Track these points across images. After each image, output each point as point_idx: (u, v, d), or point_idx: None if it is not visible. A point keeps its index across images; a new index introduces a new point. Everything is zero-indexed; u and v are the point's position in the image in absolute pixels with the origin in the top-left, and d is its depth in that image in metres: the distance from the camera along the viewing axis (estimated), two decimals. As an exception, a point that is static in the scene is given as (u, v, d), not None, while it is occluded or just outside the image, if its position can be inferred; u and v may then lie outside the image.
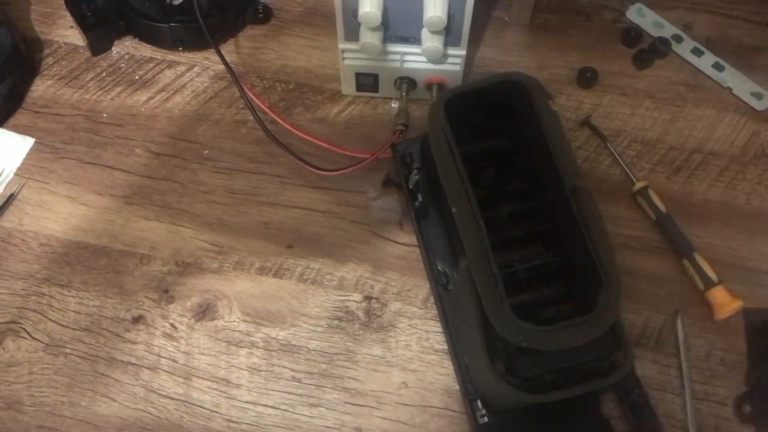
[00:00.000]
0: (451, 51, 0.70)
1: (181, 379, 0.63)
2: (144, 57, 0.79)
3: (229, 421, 0.61)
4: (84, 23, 0.77)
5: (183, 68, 0.78)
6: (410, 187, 0.67)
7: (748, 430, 0.60)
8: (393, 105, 0.76)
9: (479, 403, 0.59)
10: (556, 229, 0.62)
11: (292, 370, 0.63)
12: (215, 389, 0.62)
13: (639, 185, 0.70)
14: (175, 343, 0.64)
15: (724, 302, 0.64)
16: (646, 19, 0.81)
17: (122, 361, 0.63)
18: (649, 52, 0.78)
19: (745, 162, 0.73)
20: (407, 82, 0.73)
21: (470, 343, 0.59)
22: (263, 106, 0.73)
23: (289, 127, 0.72)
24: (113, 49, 0.80)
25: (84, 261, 0.68)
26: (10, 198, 0.71)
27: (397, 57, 0.71)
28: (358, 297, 0.66)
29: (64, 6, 0.79)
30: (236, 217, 0.70)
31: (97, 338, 0.64)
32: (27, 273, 0.67)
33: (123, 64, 0.79)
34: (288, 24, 0.82)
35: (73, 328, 0.65)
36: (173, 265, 0.68)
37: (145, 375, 0.63)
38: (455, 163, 0.57)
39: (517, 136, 0.65)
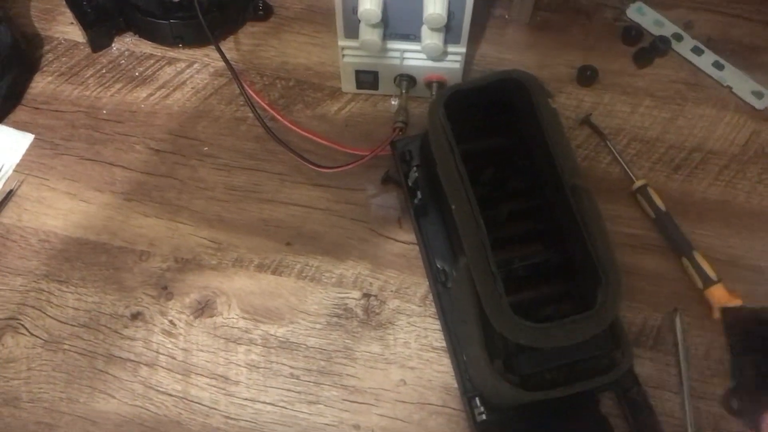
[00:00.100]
0: (451, 48, 0.70)
1: (179, 376, 0.63)
2: (144, 54, 0.79)
3: (228, 417, 0.61)
4: (84, 20, 0.77)
5: (183, 65, 0.78)
6: (409, 184, 0.67)
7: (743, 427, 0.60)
8: (393, 102, 0.76)
9: (478, 400, 0.59)
10: (556, 228, 0.62)
11: (291, 367, 0.63)
12: (214, 386, 0.62)
13: (638, 184, 0.70)
14: (173, 340, 0.64)
15: (724, 301, 0.64)
16: (647, 18, 0.81)
17: (121, 358, 0.63)
18: (649, 50, 0.78)
19: (745, 161, 0.73)
20: (407, 80, 0.73)
21: (469, 341, 0.59)
22: (263, 103, 0.73)
23: (289, 125, 0.72)
24: (113, 45, 0.80)
25: (83, 257, 0.68)
26: (10, 194, 0.71)
27: (397, 54, 0.70)
28: (356, 294, 0.66)
29: (64, 2, 0.79)
30: (235, 214, 0.70)
31: (96, 335, 0.64)
32: (26, 269, 0.67)
33: (123, 61, 0.79)
34: (288, 21, 0.82)
35: (72, 325, 0.65)
36: (172, 261, 0.68)
37: (143, 371, 0.63)
38: (455, 161, 0.57)
39: (517, 135, 0.65)
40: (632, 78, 0.78)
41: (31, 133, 0.74)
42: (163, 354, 0.64)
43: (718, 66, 0.78)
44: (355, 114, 0.76)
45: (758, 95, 0.76)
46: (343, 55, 0.72)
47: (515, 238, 0.64)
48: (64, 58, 0.79)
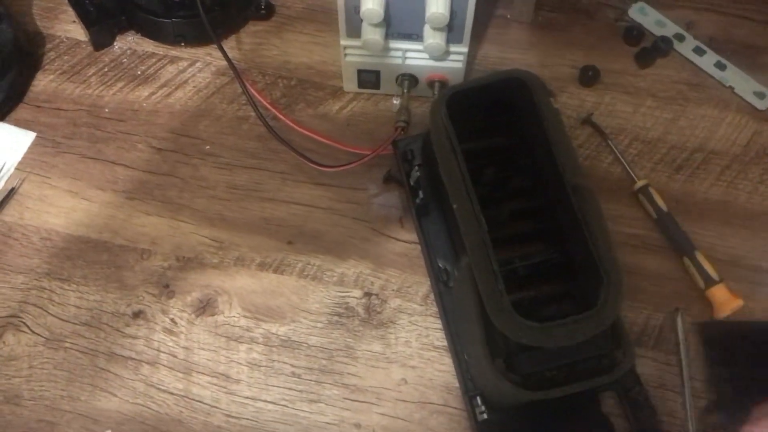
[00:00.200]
0: (453, 48, 0.70)
1: (180, 374, 0.63)
2: (146, 52, 0.79)
3: (229, 416, 0.61)
4: (86, 18, 0.77)
5: (185, 64, 0.79)
6: (411, 184, 0.67)
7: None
8: (394, 102, 0.76)
9: (479, 400, 0.59)
10: (558, 227, 0.62)
11: (292, 365, 0.63)
12: (215, 384, 0.62)
13: (640, 184, 0.70)
14: (175, 338, 0.64)
15: (725, 301, 0.64)
16: (649, 18, 0.81)
17: (122, 356, 0.64)
18: (651, 50, 0.78)
19: (747, 161, 0.73)
20: (409, 79, 0.73)
21: (470, 340, 0.59)
22: (265, 102, 0.73)
23: (291, 124, 0.72)
24: (115, 44, 0.80)
25: (85, 255, 0.68)
26: (11, 192, 0.71)
27: (399, 54, 0.70)
28: (358, 293, 0.66)
29: (66, 1, 0.79)
30: (237, 212, 0.70)
31: (97, 333, 0.64)
32: (27, 267, 0.67)
33: (125, 60, 0.79)
34: (290, 20, 0.82)
35: (74, 323, 0.65)
36: (174, 260, 0.68)
37: (144, 370, 0.63)
38: (456, 160, 0.57)
39: (518, 134, 0.65)
40: (634, 78, 0.78)
41: (33, 131, 0.74)
42: (164, 352, 0.64)
43: (720, 66, 0.78)
44: (357, 113, 0.76)
45: (760, 96, 0.76)
46: (345, 55, 0.72)
47: (516, 238, 0.64)
48: (66, 57, 0.79)
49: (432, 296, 0.66)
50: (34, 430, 0.61)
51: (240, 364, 0.63)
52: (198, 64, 0.78)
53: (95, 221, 0.69)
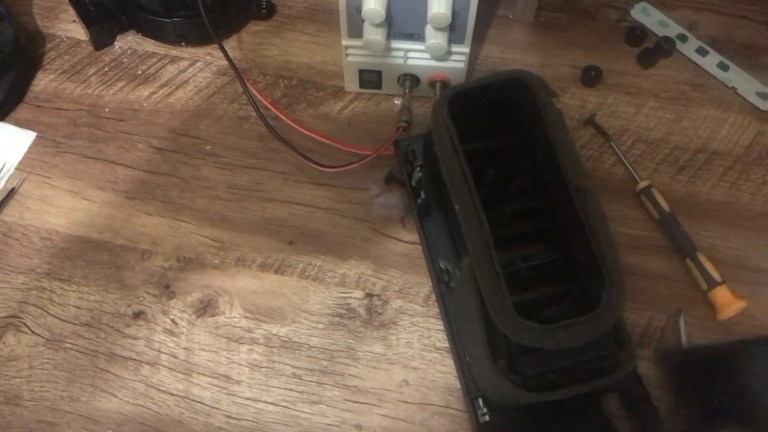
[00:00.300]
0: (454, 48, 0.70)
1: (181, 375, 0.63)
2: (147, 52, 0.79)
3: (229, 417, 0.61)
4: (87, 18, 0.77)
5: (186, 63, 0.78)
6: (413, 184, 0.67)
7: None
8: (396, 102, 0.76)
9: (481, 401, 0.59)
10: (560, 228, 0.62)
11: (293, 366, 0.63)
12: (215, 385, 0.62)
13: (642, 184, 0.69)
14: (175, 339, 0.64)
15: (728, 302, 0.63)
16: (651, 18, 0.81)
17: (122, 357, 0.63)
18: (653, 51, 0.78)
19: (750, 162, 0.73)
20: (410, 79, 0.73)
21: (472, 341, 0.59)
22: (266, 102, 0.73)
23: (292, 124, 0.72)
24: (116, 43, 0.80)
25: (85, 256, 0.68)
26: (12, 192, 0.71)
27: (401, 54, 0.70)
28: (359, 294, 0.66)
29: (66, 0, 0.79)
30: (238, 213, 0.70)
31: (98, 333, 0.64)
32: (28, 267, 0.67)
33: (125, 59, 0.79)
34: (291, 20, 0.81)
35: (74, 323, 0.65)
36: (174, 260, 0.67)
37: (145, 370, 0.63)
38: (458, 161, 0.57)
39: (520, 134, 0.64)
40: (636, 78, 0.78)
41: (33, 131, 0.74)
42: (164, 353, 0.63)
43: (722, 67, 0.78)
44: (359, 113, 0.75)
45: (763, 96, 0.76)
46: (347, 55, 0.71)
47: (518, 239, 0.64)
48: (66, 56, 0.79)
49: (433, 297, 0.65)
50: (34, 431, 0.61)
51: (241, 365, 0.63)
52: (199, 64, 0.78)
53: (96, 221, 0.69)
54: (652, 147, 0.73)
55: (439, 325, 0.64)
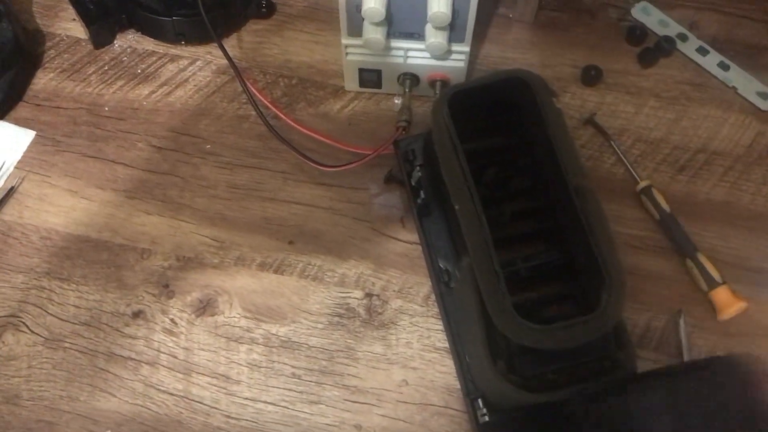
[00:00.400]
0: (455, 47, 0.70)
1: (180, 375, 0.63)
2: (146, 51, 0.79)
3: (228, 417, 0.61)
4: (86, 16, 0.77)
5: (185, 62, 0.78)
6: (412, 184, 0.67)
7: None
8: (396, 101, 0.76)
9: (480, 402, 0.59)
10: (559, 228, 0.62)
11: (293, 366, 0.63)
12: (215, 385, 0.62)
13: (642, 184, 0.69)
14: (174, 339, 0.64)
15: (728, 303, 0.63)
16: (652, 18, 0.81)
17: (122, 356, 0.63)
18: (654, 50, 0.78)
19: (750, 162, 0.72)
20: (410, 79, 0.72)
21: (472, 342, 0.59)
22: (266, 101, 0.73)
23: (292, 123, 0.72)
24: (115, 42, 0.80)
25: (84, 255, 0.68)
26: (11, 191, 0.71)
27: (401, 53, 0.70)
28: (359, 294, 0.66)
29: (66, -1, 0.79)
30: (238, 212, 0.70)
31: (97, 333, 0.64)
32: (27, 266, 0.67)
33: (125, 58, 0.79)
34: (291, 19, 0.81)
35: (73, 323, 0.65)
36: (174, 260, 0.67)
37: (144, 370, 0.63)
38: (458, 160, 0.56)
39: (520, 134, 0.64)
40: (637, 78, 0.77)
41: (33, 129, 0.74)
42: (164, 353, 0.63)
43: (723, 66, 0.77)
44: (358, 112, 0.75)
45: (763, 96, 0.76)
46: (347, 54, 0.71)
47: (518, 239, 0.64)
48: (66, 55, 0.79)
49: (433, 297, 0.65)
50: (33, 431, 0.60)
51: (240, 364, 0.63)
52: (198, 63, 0.78)
53: (95, 220, 0.69)
54: (652, 147, 0.73)
55: (438, 325, 0.64)
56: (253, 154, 0.73)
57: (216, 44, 0.75)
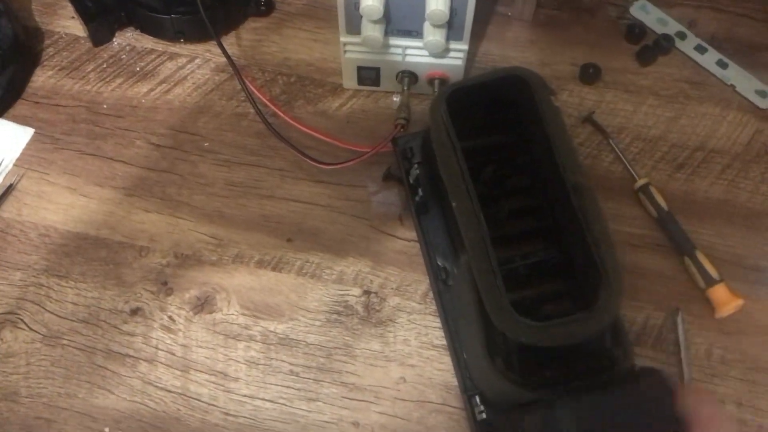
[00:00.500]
0: (453, 45, 0.70)
1: (178, 372, 0.63)
2: (145, 48, 0.79)
3: (227, 414, 0.61)
4: (85, 14, 0.77)
5: (184, 60, 0.78)
6: (411, 181, 0.67)
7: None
8: (394, 99, 0.76)
9: (478, 399, 0.59)
10: (557, 226, 0.62)
11: (290, 364, 0.63)
12: (213, 382, 0.62)
13: (641, 182, 0.69)
14: (173, 336, 0.64)
15: (726, 300, 0.63)
16: (650, 16, 0.81)
17: (120, 353, 0.63)
18: (652, 48, 0.78)
19: (748, 160, 0.73)
20: (409, 76, 0.72)
21: (469, 339, 0.59)
22: (264, 99, 0.73)
23: (290, 121, 0.72)
24: (114, 40, 0.80)
25: (83, 252, 0.68)
26: (9, 188, 0.71)
27: (399, 51, 0.70)
28: (357, 291, 0.66)
29: (65, -4, 0.79)
30: (236, 209, 0.70)
31: (95, 330, 0.64)
32: (25, 264, 0.67)
33: (124, 56, 0.79)
34: (290, 17, 0.81)
35: (71, 320, 0.65)
36: (172, 257, 0.67)
37: (142, 367, 0.63)
38: (456, 158, 0.56)
39: (518, 132, 0.64)
40: (635, 76, 0.77)
41: (32, 127, 0.74)
42: (162, 350, 0.63)
43: (721, 64, 0.77)
44: (357, 110, 0.75)
45: (762, 94, 0.76)
46: (345, 51, 0.71)
47: (516, 236, 0.64)
48: (64, 53, 0.79)
49: (431, 295, 0.65)
50: (31, 428, 0.61)
51: (238, 362, 0.63)
52: (197, 61, 0.78)
53: (93, 218, 0.69)
54: (650, 145, 0.73)
55: (436, 322, 0.64)
56: (252, 152, 0.73)
57: (215, 42, 0.75)
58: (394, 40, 0.69)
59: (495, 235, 0.54)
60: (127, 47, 0.79)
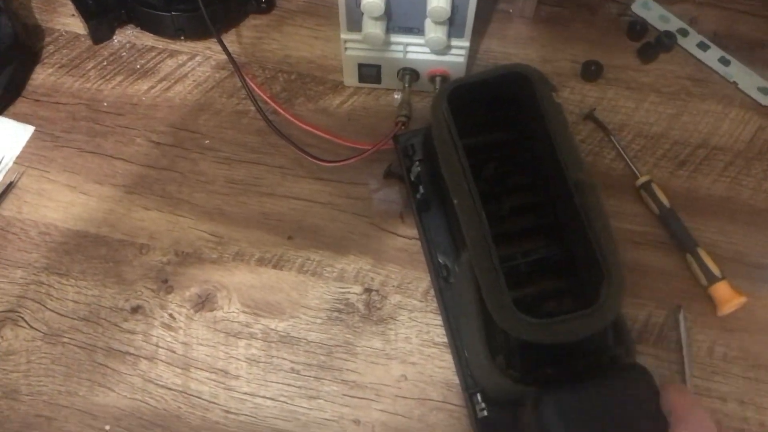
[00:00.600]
0: (454, 42, 0.69)
1: (179, 370, 0.62)
2: (145, 46, 0.79)
3: (227, 412, 0.61)
4: (85, 11, 0.77)
5: (184, 58, 0.78)
6: (412, 179, 0.67)
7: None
8: (395, 96, 0.75)
9: (479, 396, 0.59)
10: (559, 223, 0.62)
11: (291, 361, 0.63)
12: (213, 380, 0.62)
13: (643, 179, 0.69)
14: (173, 334, 0.64)
15: (728, 298, 0.63)
16: (652, 13, 0.81)
17: (120, 351, 0.63)
18: (654, 45, 0.78)
19: (751, 157, 0.72)
20: (410, 74, 0.72)
21: (470, 337, 0.59)
22: (265, 97, 0.73)
23: (291, 118, 0.71)
24: (114, 37, 0.79)
25: (83, 250, 0.67)
26: (10, 186, 0.70)
27: (400, 48, 0.70)
28: (358, 289, 0.66)
29: (65, -6, 0.79)
30: (236, 207, 0.70)
31: (96, 328, 0.64)
32: (26, 262, 0.67)
33: (124, 53, 0.78)
34: (290, 14, 0.81)
35: (72, 318, 0.64)
36: (173, 255, 0.67)
37: (143, 365, 0.63)
38: (458, 155, 0.56)
39: (520, 129, 0.64)
40: (637, 73, 0.77)
41: (32, 125, 0.74)
42: (162, 348, 0.63)
43: (723, 62, 0.77)
44: (358, 108, 0.75)
45: (764, 91, 0.75)
46: (346, 49, 0.71)
47: (517, 234, 0.64)
48: (65, 50, 0.79)
49: (432, 292, 0.65)
50: (32, 426, 0.60)
51: (239, 359, 0.63)
52: (197, 58, 0.78)
53: (94, 216, 0.69)
54: (652, 142, 0.73)
55: (437, 320, 0.64)
56: (252, 150, 0.73)
57: (215, 39, 0.75)
58: (396, 37, 0.69)
59: (496, 233, 0.54)
60: (128, 45, 0.79)
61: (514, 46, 0.79)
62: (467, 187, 0.55)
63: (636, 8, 0.81)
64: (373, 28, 0.67)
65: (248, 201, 0.70)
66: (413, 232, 0.68)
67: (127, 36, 0.79)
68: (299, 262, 0.67)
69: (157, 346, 0.63)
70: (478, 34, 0.78)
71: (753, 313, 0.65)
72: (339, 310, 0.65)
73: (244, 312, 0.65)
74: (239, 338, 0.64)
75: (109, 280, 0.66)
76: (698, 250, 0.65)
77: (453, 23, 0.67)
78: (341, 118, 0.74)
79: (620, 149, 0.72)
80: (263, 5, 0.80)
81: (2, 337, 0.64)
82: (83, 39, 0.79)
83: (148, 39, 0.79)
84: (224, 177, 0.71)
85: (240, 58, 0.77)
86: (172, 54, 0.78)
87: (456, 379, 0.62)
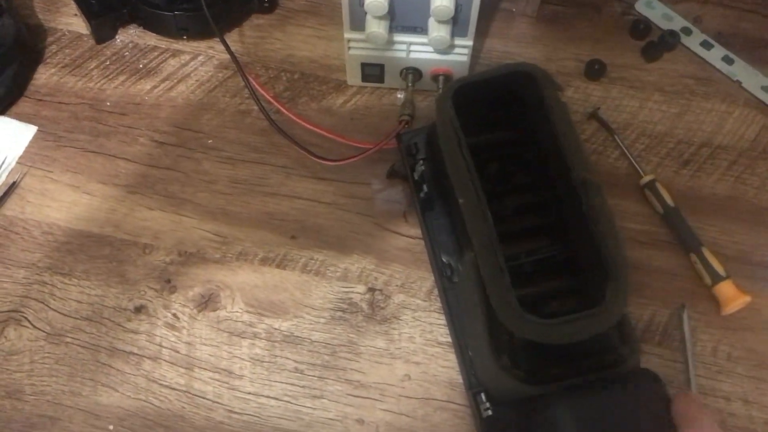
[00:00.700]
0: (458, 41, 0.69)
1: (182, 370, 0.62)
2: (148, 46, 0.79)
3: (231, 411, 0.61)
4: (88, 11, 0.77)
5: (187, 57, 0.78)
6: (415, 178, 0.67)
7: None
8: (398, 95, 0.75)
9: (483, 396, 0.59)
10: (563, 223, 0.62)
11: (295, 361, 0.63)
12: (217, 380, 0.62)
13: (646, 179, 0.69)
14: (177, 334, 0.64)
15: (732, 297, 0.63)
16: (656, 12, 0.81)
17: (124, 351, 0.63)
18: (658, 44, 0.77)
19: (755, 156, 0.72)
20: (413, 73, 0.72)
21: (475, 336, 0.59)
22: (268, 96, 0.73)
23: (294, 117, 0.71)
24: (117, 37, 0.79)
25: (86, 250, 0.67)
26: (13, 186, 0.70)
27: (404, 47, 0.70)
28: (361, 289, 0.66)
29: (68, -7, 0.79)
30: (240, 207, 0.70)
31: (99, 328, 0.64)
32: (29, 262, 0.67)
33: (127, 53, 0.78)
34: (293, 13, 0.81)
35: (75, 318, 0.64)
36: (176, 255, 0.67)
37: (146, 365, 0.63)
38: (462, 154, 0.56)
39: (523, 128, 0.64)
40: (641, 72, 0.77)
41: (35, 124, 0.74)
42: (166, 347, 0.63)
43: (727, 60, 0.77)
44: (361, 107, 0.75)
45: (768, 90, 0.75)
46: (349, 48, 0.71)
47: (522, 233, 0.64)
48: (67, 50, 0.79)
49: (436, 292, 0.65)
50: (35, 426, 0.60)
51: (242, 359, 0.63)
52: (200, 58, 0.78)
53: (97, 215, 0.69)
54: (656, 141, 0.73)
55: (441, 319, 0.64)
56: (255, 149, 0.72)
57: (218, 39, 0.75)
58: (399, 37, 0.69)
59: (501, 232, 0.54)
60: (130, 44, 0.79)
61: (517, 45, 0.79)
62: (472, 186, 0.55)
63: (639, 7, 0.81)
64: (376, 28, 0.67)
65: (251, 201, 0.70)
66: (417, 231, 0.68)
67: (130, 35, 0.79)
68: (303, 261, 0.67)
69: (160, 346, 0.63)
70: (481, 33, 0.78)
71: (757, 312, 0.64)
72: (342, 310, 0.65)
73: (247, 312, 0.65)
74: (243, 338, 0.64)
75: (112, 280, 0.66)
76: (702, 250, 0.65)
77: (456, 22, 0.67)
78: (344, 118, 0.74)
79: (624, 148, 0.72)
80: (266, 5, 0.80)
81: (5, 337, 0.64)
82: (86, 39, 0.79)
83: (150, 39, 0.79)
84: (227, 177, 0.71)
85: (243, 57, 0.77)
86: (175, 54, 0.78)
87: (460, 379, 0.62)
